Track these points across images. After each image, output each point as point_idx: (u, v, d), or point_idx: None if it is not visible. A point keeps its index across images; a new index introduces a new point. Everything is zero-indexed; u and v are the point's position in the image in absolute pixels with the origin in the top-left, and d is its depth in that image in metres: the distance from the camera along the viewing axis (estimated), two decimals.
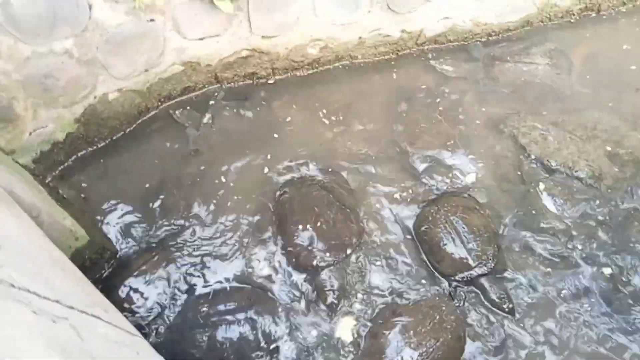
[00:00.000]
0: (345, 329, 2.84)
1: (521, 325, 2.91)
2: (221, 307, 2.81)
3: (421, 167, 3.56)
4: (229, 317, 2.76)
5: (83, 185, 3.37)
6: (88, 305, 1.73)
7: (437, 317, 2.73)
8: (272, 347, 2.75)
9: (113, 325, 1.80)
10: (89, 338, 1.45)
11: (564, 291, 3.04)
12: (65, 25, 2.87)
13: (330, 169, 3.49)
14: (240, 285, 2.97)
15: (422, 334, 2.66)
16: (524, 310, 2.96)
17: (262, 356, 2.70)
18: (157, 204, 3.29)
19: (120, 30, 3.06)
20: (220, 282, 2.99)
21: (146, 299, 2.89)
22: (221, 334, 2.72)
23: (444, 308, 2.79)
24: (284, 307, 2.88)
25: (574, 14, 4.50)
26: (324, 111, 3.81)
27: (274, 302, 2.89)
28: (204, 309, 2.80)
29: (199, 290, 2.95)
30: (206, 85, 3.83)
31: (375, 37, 3.97)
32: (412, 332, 2.67)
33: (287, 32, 3.67)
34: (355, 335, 2.82)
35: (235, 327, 2.73)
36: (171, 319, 2.84)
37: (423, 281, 3.05)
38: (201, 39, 3.45)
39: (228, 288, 2.95)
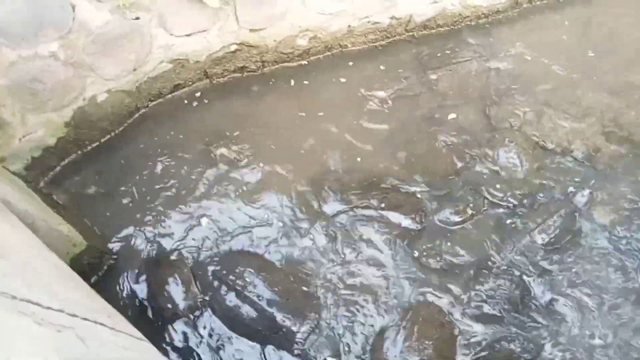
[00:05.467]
0: None
1: None
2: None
3: None
4: None
5: (77, 189, 3.32)
6: (91, 312, 1.71)
7: None
8: None
9: (117, 331, 1.78)
10: (94, 345, 1.43)
11: None
12: (50, 27, 2.80)
13: None
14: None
15: None
16: None
17: None
18: (152, 202, 3.26)
19: (106, 29, 3.00)
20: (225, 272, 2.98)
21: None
22: None
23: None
24: None
25: None
26: None
27: None
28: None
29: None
30: (195, 82, 3.77)
31: (364, 25, 3.93)
32: None
33: (276, 24, 3.62)
34: None
35: None
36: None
37: None
38: (188, 35, 3.40)
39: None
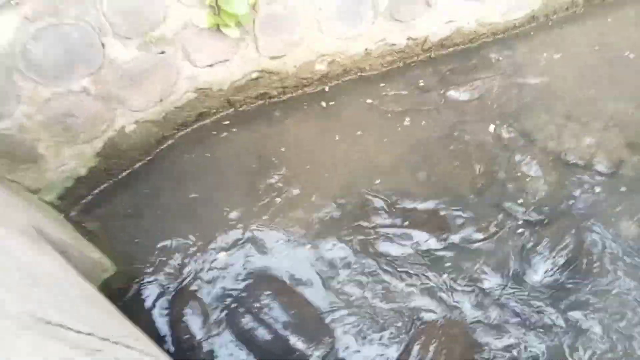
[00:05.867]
0: None
1: None
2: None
3: None
4: None
5: (107, 216, 3.45)
6: (121, 335, 1.78)
7: None
8: None
9: (145, 354, 1.85)
10: None
11: None
12: (82, 65, 2.98)
13: None
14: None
15: None
16: None
17: None
18: (179, 229, 3.35)
19: (134, 64, 3.16)
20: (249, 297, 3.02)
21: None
22: None
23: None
24: None
25: (578, 5, 4.47)
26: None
27: None
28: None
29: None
30: (220, 110, 3.90)
31: (381, 47, 4.01)
32: None
33: (294, 50, 3.73)
34: None
35: None
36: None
37: None
38: (211, 65, 3.54)
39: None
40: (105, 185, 3.59)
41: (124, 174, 3.65)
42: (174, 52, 3.31)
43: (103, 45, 2.98)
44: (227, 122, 3.91)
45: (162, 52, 3.25)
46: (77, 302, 1.76)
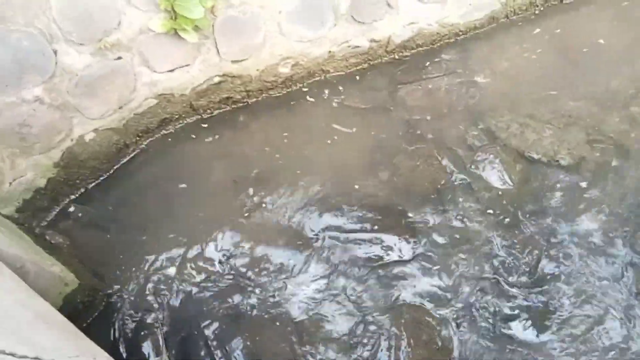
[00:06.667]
0: None
1: None
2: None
3: None
4: None
5: (71, 229, 3.35)
6: (72, 356, 1.73)
7: None
8: None
9: None
10: None
11: None
12: (33, 73, 2.89)
13: None
14: None
15: None
16: None
17: None
18: (147, 242, 3.29)
19: (89, 72, 3.08)
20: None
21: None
22: None
23: None
24: None
25: (537, 6, 4.56)
26: None
27: None
28: None
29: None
30: (183, 115, 3.84)
31: (345, 50, 4.00)
32: None
33: (256, 54, 3.69)
34: None
35: None
36: None
37: None
38: (171, 70, 3.47)
39: None
40: (68, 197, 3.49)
41: (90, 185, 3.56)
42: (131, 58, 3.24)
43: (55, 52, 2.90)
44: (191, 129, 3.85)
45: (119, 58, 3.18)
46: (25, 324, 1.70)
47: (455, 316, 2.96)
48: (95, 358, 1.90)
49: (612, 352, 2.81)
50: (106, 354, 2.10)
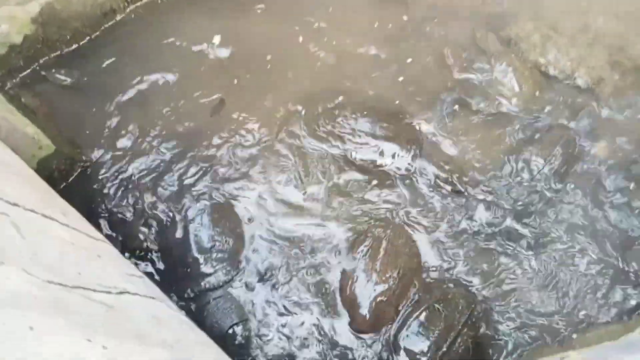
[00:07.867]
0: None
1: None
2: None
3: None
4: None
5: (47, 93, 3.12)
6: (40, 206, 1.59)
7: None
8: None
9: (70, 228, 1.67)
10: (32, 236, 1.32)
11: None
12: None
13: None
14: None
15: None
16: None
17: None
18: (130, 112, 3.10)
19: None
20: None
21: None
22: None
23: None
24: None
25: None
26: None
27: None
28: None
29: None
30: None
31: None
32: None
33: None
34: None
35: None
36: None
37: None
38: None
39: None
40: (46, 58, 3.22)
41: (71, 48, 3.27)
42: None
43: None
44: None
45: None
46: None
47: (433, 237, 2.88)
48: (65, 214, 1.77)
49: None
50: (78, 213, 1.98)
